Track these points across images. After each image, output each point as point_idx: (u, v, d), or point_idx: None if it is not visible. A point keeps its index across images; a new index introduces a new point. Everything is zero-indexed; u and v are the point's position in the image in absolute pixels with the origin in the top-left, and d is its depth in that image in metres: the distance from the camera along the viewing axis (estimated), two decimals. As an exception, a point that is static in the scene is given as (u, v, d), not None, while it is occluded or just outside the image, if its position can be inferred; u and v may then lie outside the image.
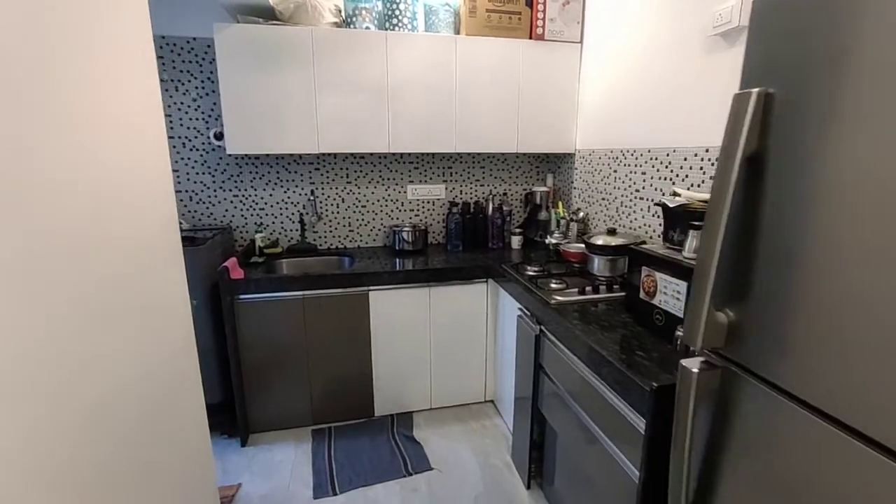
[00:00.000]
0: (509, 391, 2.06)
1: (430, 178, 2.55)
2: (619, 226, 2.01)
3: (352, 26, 2.06)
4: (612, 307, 1.54)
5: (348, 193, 2.46)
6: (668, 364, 1.11)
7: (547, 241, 2.35)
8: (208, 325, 1.89)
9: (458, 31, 2.17)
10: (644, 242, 1.75)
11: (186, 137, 2.18)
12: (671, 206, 1.28)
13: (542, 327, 1.57)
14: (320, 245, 2.48)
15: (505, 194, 2.66)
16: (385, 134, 2.13)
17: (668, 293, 1.24)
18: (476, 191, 2.62)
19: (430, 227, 2.60)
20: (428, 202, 2.58)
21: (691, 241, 1.22)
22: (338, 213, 2.47)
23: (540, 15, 2.14)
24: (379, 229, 2.54)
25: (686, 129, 1.58)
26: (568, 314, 1.47)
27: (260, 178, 2.33)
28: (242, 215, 2.34)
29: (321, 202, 2.44)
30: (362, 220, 2.51)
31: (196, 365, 1.28)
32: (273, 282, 1.93)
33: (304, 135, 2.05)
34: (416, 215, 2.58)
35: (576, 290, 1.68)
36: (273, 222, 2.40)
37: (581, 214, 2.25)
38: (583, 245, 2.03)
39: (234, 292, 1.89)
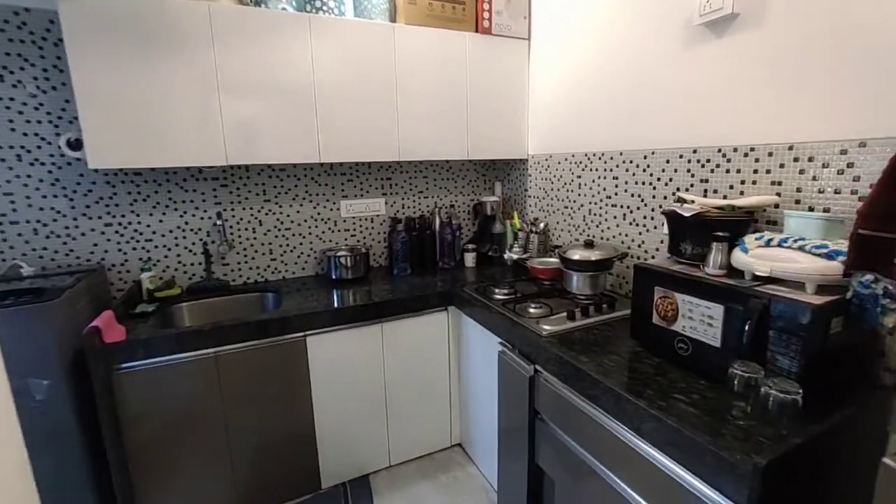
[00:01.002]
0: (481, 430, 1.77)
1: (367, 192, 2.19)
2: (588, 236, 1.83)
3: (263, 5, 1.65)
4: (612, 333, 1.32)
5: (266, 214, 2.00)
6: (720, 411, 0.90)
7: (506, 256, 2.12)
8: (75, 413, 1.33)
9: (393, 19, 1.86)
10: (626, 255, 1.59)
11: (23, 147, 1.57)
12: (687, 215, 1.10)
13: (537, 366, 1.30)
14: (234, 281, 1.98)
15: (452, 206, 2.38)
16: (313, 141, 1.74)
17: (696, 318, 1.05)
18: (419, 204, 2.31)
19: (371, 248, 2.23)
20: (366, 219, 2.21)
21: (716, 256, 1.04)
22: (254, 239, 2.00)
23: (486, 6, 1.92)
24: (308, 255, 2.11)
25: (667, 129, 1.43)
26: (566, 347, 1.22)
27: (143, 201, 1.78)
28: (121, 250, 1.77)
29: (231, 227, 1.95)
30: (287, 245, 2.06)
31: (32, 488, 0.80)
32: (170, 340, 1.42)
33: (203, 143, 1.58)
34: (352, 236, 2.19)
35: (562, 314, 1.45)
36: (166, 256, 1.85)
37: (541, 225, 2.06)
38: (554, 260, 1.83)
39: (110, 361, 1.35)
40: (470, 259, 2.24)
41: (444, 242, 2.21)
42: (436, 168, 2.32)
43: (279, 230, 2.04)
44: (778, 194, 1.15)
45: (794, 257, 0.92)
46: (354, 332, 1.69)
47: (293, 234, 2.07)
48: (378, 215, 2.23)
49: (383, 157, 1.88)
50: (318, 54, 1.69)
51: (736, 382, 0.90)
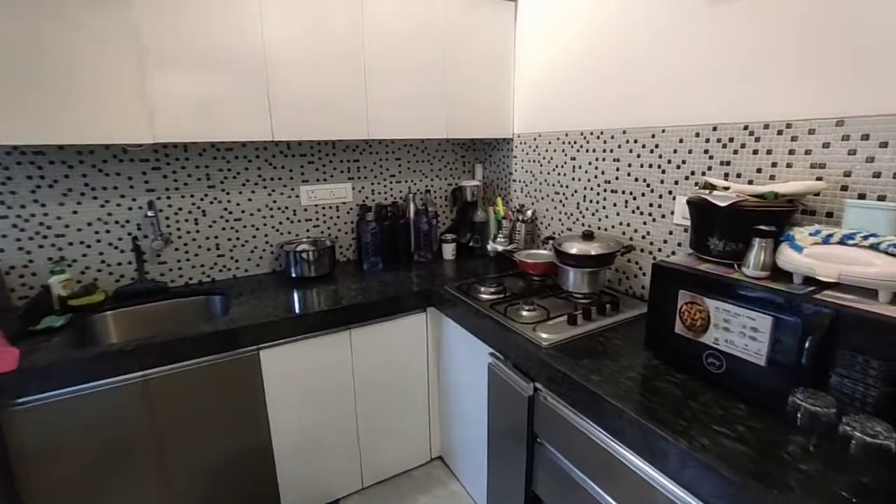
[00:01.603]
0: (466, 441, 1.58)
1: (332, 176, 1.91)
2: (583, 225, 1.64)
3: (191, -57, 1.32)
4: (621, 341, 1.14)
5: (212, 203, 1.70)
6: (773, 449, 0.72)
7: (489, 247, 1.91)
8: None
9: (358, -28, 1.57)
10: (631, 248, 1.40)
11: None
12: (722, 204, 0.90)
13: (538, 385, 1.10)
14: (173, 282, 1.68)
15: (428, 191, 2.14)
16: (264, 115, 1.45)
17: (734, 329, 0.86)
18: (391, 189, 2.06)
19: (338, 240, 1.97)
20: (330, 207, 1.93)
21: (758, 254, 0.86)
22: (197, 232, 1.69)
23: (466, -43, 1.65)
24: (264, 250, 1.83)
25: (681, 104, 1.24)
26: (572, 362, 1.03)
27: (49, 187, 1.45)
28: (22, 248, 1.44)
29: (168, 218, 1.64)
30: (237, 239, 1.77)
31: None
32: (81, 365, 1.13)
33: (127, 114, 1.27)
34: (315, 226, 1.92)
35: (562, 318, 1.26)
36: (85, 255, 1.53)
37: (529, 213, 1.85)
38: (546, 253, 1.63)
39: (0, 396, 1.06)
40: (449, 251, 2.02)
41: (420, 232, 1.98)
42: (409, 149, 2.06)
43: (227, 221, 1.74)
44: (819, 178, 0.98)
45: (867, 258, 0.74)
46: (318, 342, 1.44)
47: (244, 226, 1.77)
48: (344, 202, 1.96)
49: (350, 135, 1.61)
50: (269, 16, 1.39)
51: (800, 416, 0.72)
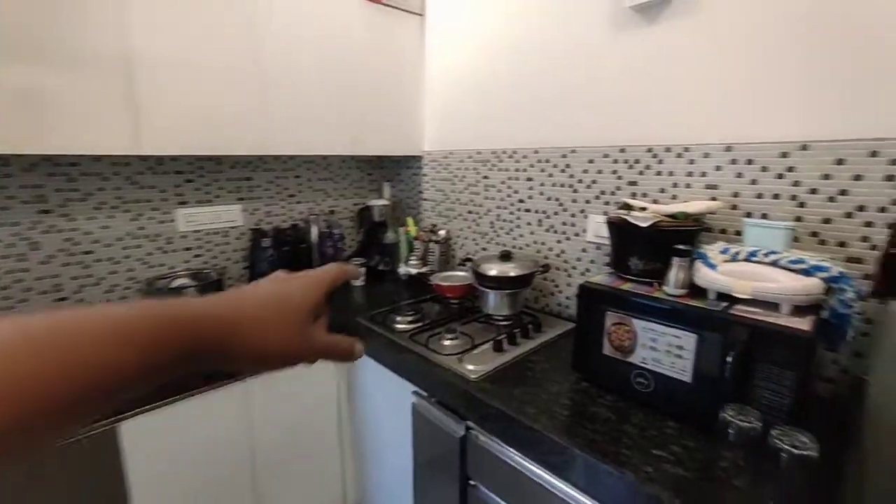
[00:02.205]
0: (383, 488, 1.42)
1: (218, 196, 1.64)
2: (498, 244, 1.62)
3: None
4: (550, 364, 1.11)
5: (46, 233, 1.33)
6: (709, 469, 0.72)
7: (401, 270, 1.80)
8: None
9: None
10: (549, 267, 1.40)
11: None
12: (643, 225, 0.92)
13: (470, 423, 1.01)
14: (-11, 336, 1.27)
15: (331, 212, 1.96)
16: (123, 123, 1.17)
17: (660, 349, 0.87)
18: (291, 210, 1.84)
19: (227, 270, 1.69)
20: (216, 233, 1.66)
21: (678, 273, 0.88)
22: (24, 272, 1.31)
23: (368, -34, 1.56)
24: (126, 288, 1.49)
25: (591, 126, 1.28)
26: (505, 393, 0.96)
27: None
28: None
29: (-20, 253, 1.24)
30: (87, 277, 1.41)
31: None
32: None
33: None
34: (196, 256, 1.62)
35: (486, 345, 1.20)
36: None
37: (442, 233, 1.79)
38: (464, 275, 1.57)
39: None
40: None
41: (325, 257, 1.79)
42: (311, 166, 1.87)
43: (72, 255, 1.38)
44: (713, 198, 1.06)
45: (771, 274, 0.79)
46: (200, 403, 1.19)
47: (97, 260, 1.43)
48: (234, 227, 1.70)
49: (243, 150, 1.39)
50: (137, 8, 1.13)
51: (731, 432, 0.73)
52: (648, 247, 0.94)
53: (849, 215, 0.90)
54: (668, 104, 1.11)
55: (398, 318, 1.40)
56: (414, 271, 1.75)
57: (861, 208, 0.88)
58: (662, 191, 1.15)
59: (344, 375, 1.49)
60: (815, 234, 0.93)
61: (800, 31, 0.90)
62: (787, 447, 0.67)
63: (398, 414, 1.25)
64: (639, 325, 0.90)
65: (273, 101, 1.41)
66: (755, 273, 0.80)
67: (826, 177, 0.91)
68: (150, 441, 1.11)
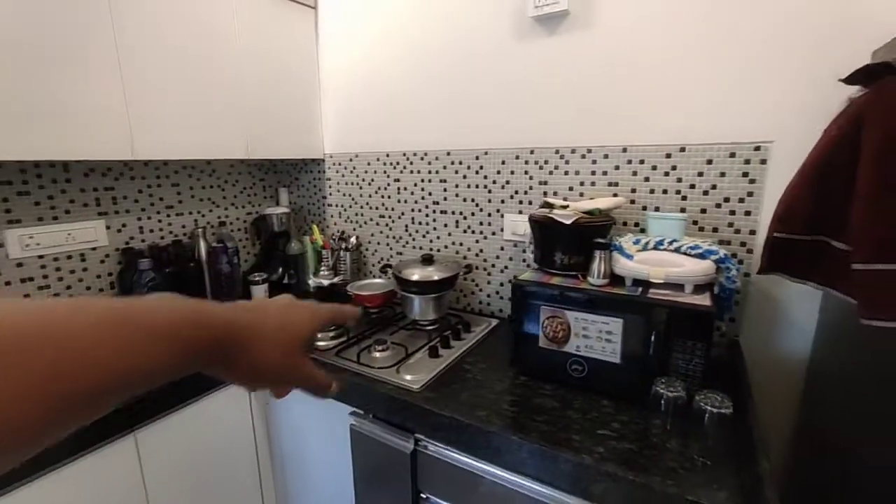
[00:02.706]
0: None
1: (68, 212, 1.32)
2: (414, 248, 1.60)
3: None
4: (487, 364, 1.13)
5: None
6: (647, 437, 0.81)
7: (311, 282, 1.67)
8: None
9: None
10: (471, 268, 1.43)
11: None
12: (567, 222, 0.98)
13: (419, 436, 0.97)
14: None
15: (221, 224, 1.73)
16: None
17: (592, 336, 0.95)
18: (170, 224, 1.57)
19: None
20: (68, 258, 1.34)
21: (599, 265, 0.96)
22: None
23: (251, -52, 1.39)
24: (-64, 338, 1.11)
25: (501, 129, 1.32)
26: (452, 400, 0.96)
27: None
28: None
29: None
30: None
31: None
32: None
33: None
34: (41, 288, 1.29)
35: (420, 353, 1.18)
36: None
37: (353, 240, 1.70)
38: (383, 282, 1.51)
39: None
40: (259, 293, 1.67)
41: (220, 275, 1.57)
42: (192, 171, 1.62)
43: None
44: (615, 195, 1.18)
45: (677, 260, 0.91)
46: (80, 469, 0.95)
47: None
48: (94, 248, 1.39)
49: (103, 154, 1.13)
50: None
51: (663, 402, 0.82)
52: (572, 242, 1.02)
53: (718, 206, 1.07)
54: (570, 109, 1.20)
55: (318, 336, 1.29)
56: (325, 282, 1.64)
57: (727, 199, 1.06)
58: (571, 189, 1.25)
59: (261, 409, 1.32)
60: (695, 223, 1.10)
61: (688, 43, 1.04)
62: (709, 408, 0.78)
63: (333, 438, 1.16)
64: (571, 316, 0.96)
65: (141, 97, 1.18)
66: (663, 260, 0.92)
67: (700, 174, 1.08)
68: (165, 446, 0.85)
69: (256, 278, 1.66)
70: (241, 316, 0.36)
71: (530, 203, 1.32)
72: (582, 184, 1.23)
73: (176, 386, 1.08)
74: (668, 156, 1.10)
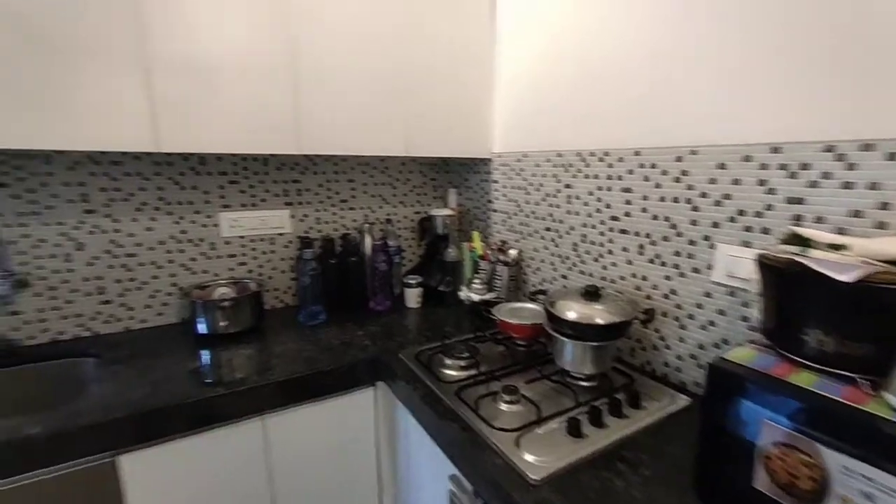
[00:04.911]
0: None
1: (264, 200, 1.50)
2: (581, 272, 1.26)
3: None
4: (653, 473, 0.74)
5: (91, 233, 1.28)
6: None
7: (462, 295, 1.51)
8: None
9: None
10: (653, 313, 1.02)
11: None
12: (843, 278, 0.53)
13: (522, 550, 0.69)
14: (31, 339, 1.23)
15: (388, 221, 1.74)
16: (139, 118, 1.04)
17: (875, 509, 0.48)
18: (343, 217, 1.66)
19: (272, 281, 1.55)
20: (262, 240, 1.52)
21: (915, 372, 0.48)
22: (69, 271, 1.26)
23: (435, -70, 1.30)
24: (168, 294, 1.40)
25: (723, 115, 0.88)
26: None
27: None
28: None
29: (25, 252, 1.20)
30: (130, 280, 1.34)
31: None
32: None
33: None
34: (241, 264, 1.50)
35: (557, 420, 0.86)
36: None
37: (512, 254, 1.47)
38: (536, 308, 1.24)
39: None
40: (413, 297, 1.61)
41: (378, 273, 1.57)
42: (366, 168, 1.67)
43: (115, 257, 1.31)
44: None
45: None
46: (212, 438, 1.01)
47: (140, 264, 1.35)
48: (281, 234, 1.55)
49: (276, 147, 1.21)
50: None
51: None
52: (850, 315, 0.55)
53: None
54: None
55: (448, 362, 1.12)
56: (476, 297, 1.46)
57: None
58: (857, 214, 0.72)
59: (386, 419, 1.24)
60: None
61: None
62: None
63: (436, 490, 0.97)
64: (832, 458, 0.51)
65: (309, 94, 1.21)
66: None
67: None
68: (154, 475, 0.96)
69: (411, 281, 1.61)
70: None
71: (765, 232, 0.83)
72: (886, 205, 0.69)
73: (301, 383, 1.07)
74: None
